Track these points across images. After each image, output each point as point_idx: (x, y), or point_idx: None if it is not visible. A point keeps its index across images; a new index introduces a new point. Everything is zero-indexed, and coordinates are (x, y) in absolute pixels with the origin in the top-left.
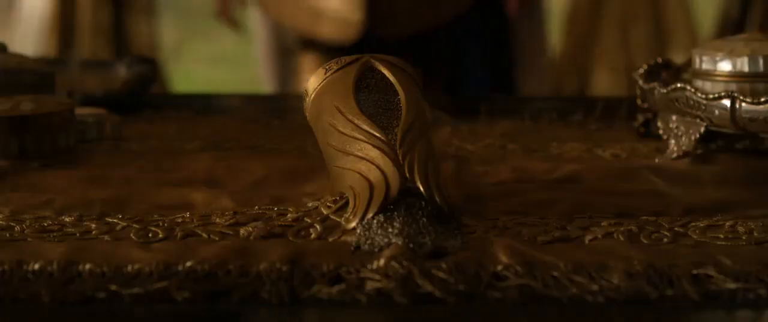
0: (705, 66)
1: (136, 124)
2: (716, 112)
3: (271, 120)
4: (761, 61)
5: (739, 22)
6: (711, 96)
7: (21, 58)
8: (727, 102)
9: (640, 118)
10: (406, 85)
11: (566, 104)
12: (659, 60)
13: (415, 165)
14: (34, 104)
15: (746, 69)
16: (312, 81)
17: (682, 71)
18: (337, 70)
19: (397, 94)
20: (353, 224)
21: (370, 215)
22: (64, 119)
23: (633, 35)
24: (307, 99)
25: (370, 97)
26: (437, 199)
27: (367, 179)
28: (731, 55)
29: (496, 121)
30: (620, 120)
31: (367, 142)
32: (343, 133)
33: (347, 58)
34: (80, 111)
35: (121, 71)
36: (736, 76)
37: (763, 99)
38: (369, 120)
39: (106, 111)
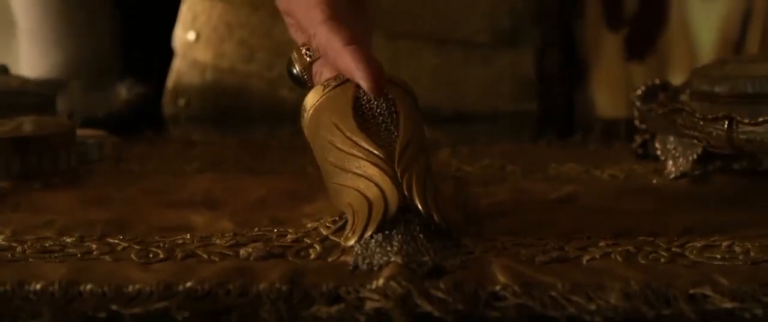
0: (703, 87)
1: (136, 146)
2: (713, 133)
3: (270, 141)
4: (759, 83)
5: (739, 41)
6: (708, 117)
7: (22, 80)
8: (724, 123)
9: (638, 139)
10: (404, 103)
11: (564, 125)
12: (657, 81)
13: (414, 183)
14: (36, 125)
15: (743, 90)
16: (310, 97)
17: (680, 92)
18: (336, 86)
19: (395, 112)
20: (352, 242)
21: (368, 233)
22: (65, 140)
23: None
24: (305, 115)
25: (366, 115)
26: (436, 217)
27: (366, 197)
28: (729, 76)
29: (496, 142)
30: (619, 141)
31: (365, 160)
32: (341, 149)
33: (343, 76)
34: (81, 132)
35: (122, 93)
36: (733, 97)
37: (760, 120)
38: (367, 138)
39: (106, 132)
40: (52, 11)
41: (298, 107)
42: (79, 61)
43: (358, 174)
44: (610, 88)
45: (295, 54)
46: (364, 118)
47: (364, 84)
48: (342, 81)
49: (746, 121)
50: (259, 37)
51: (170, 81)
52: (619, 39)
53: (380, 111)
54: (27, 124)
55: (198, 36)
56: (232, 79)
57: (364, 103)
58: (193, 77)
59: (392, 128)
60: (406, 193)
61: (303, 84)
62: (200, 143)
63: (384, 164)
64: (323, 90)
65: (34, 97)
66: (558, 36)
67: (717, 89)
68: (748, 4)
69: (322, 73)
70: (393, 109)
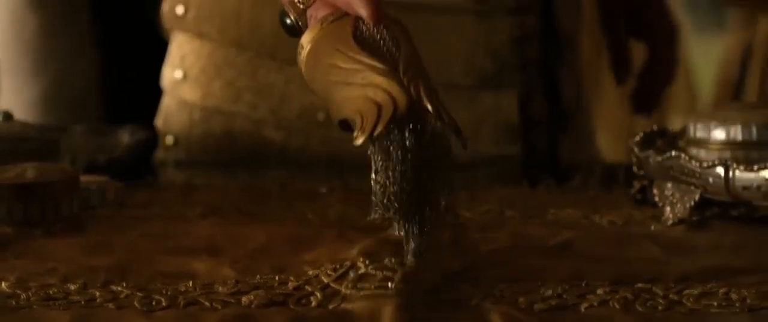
0: (699, 134)
1: (137, 191)
2: (710, 180)
3: (271, 187)
4: (755, 130)
5: (739, 81)
6: (705, 164)
7: (25, 125)
8: (720, 170)
9: (637, 185)
10: (403, 35)
11: (564, 170)
12: (655, 128)
13: (421, 88)
14: (39, 172)
15: (740, 137)
16: (307, 34)
17: (678, 138)
18: (333, 20)
19: (395, 39)
20: (361, 140)
21: (378, 129)
22: (68, 187)
23: None
24: (303, 52)
25: (367, 43)
26: (444, 116)
27: (374, 101)
28: (725, 123)
29: (495, 187)
30: (618, 186)
31: (371, 71)
32: (344, 68)
33: (341, 11)
34: (84, 178)
35: (124, 138)
36: (729, 144)
37: (756, 167)
38: (371, 55)
39: (108, 178)
40: (31, 44)
41: (284, 148)
42: (59, 95)
43: (364, 84)
44: (609, 132)
45: (287, 5)
46: (365, 45)
47: (363, 12)
48: (339, 16)
49: (742, 168)
50: (245, 77)
51: (159, 120)
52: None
53: (381, 39)
54: (30, 171)
55: (185, 75)
56: (219, 120)
57: (364, 32)
58: (181, 116)
59: (394, 51)
60: (414, 96)
61: (297, 33)
62: (201, 188)
63: (390, 73)
64: (321, 25)
65: (36, 142)
66: (542, 83)
67: (713, 136)
68: (748, 42)
69: (317, 16)
70: (393, 36)
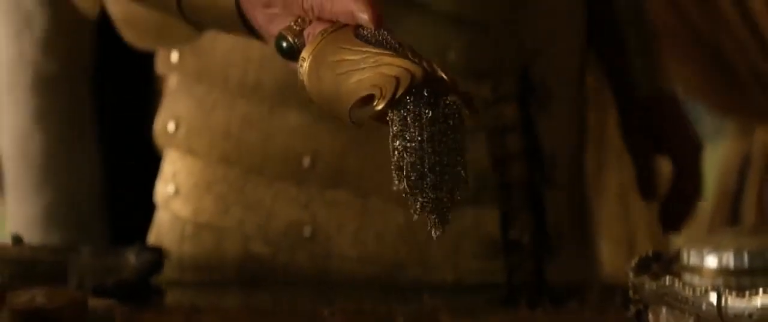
0: (693, 260)
1: (144, 314)
2: (703, 306)
3: (276, 307)
4: (746, 257)
5: (737, 191)
6: (698, 291)
7: (35, 249)
8: (713, 298)
9: (633, 309)
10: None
11: (560, 292)
12: (650, 253)
13: (432, 62)
14: (48, 298)
15: (732, 264)
16: (307, 48)
17: (673, 263)
18: (332, 31)
19: (397, 41)
20: (382, 105)
21: (400, 92)
22: (76, 312)
23: (634, 208)
24: (304, 64)
25: (371, 43)
26: (458, 85)
27: (390, 75)
28: (717, 249)
29: (493, 312)
30: (615, 308)
31: (381, 55)
32: (352, 59)
33: (339, 23)
34: (91, 302)
35: (130, 259)
36: (722, 271)
37: (747, 294)
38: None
39: (115, 301)
40: (36, 160)
41: (272, 264)
42: (62, 211)
43: (377, 65)
44: (613, 243)
45: (283, 31)
46: (369, 44)
47: (364, 15)
48: (338, 27)
49: (735, 295)
50: (234, 193)
51: (152, 235)
52: (619, 185)
53: (383, 39)
54: (40, 297)
55: (177, 191)
56: (209, 235)
57: (367, 35)
58: (173, 232)
59: (398, 46)
60: (427, 68)
61: (295, 54)
62: (206, 311)
63: (401, 52)
64: (322, 36)
65: (46, 265)
66: (527, 204)
67: (706, 263)
68: (746, 152)
69: (315, 33)
70: (394, 38)
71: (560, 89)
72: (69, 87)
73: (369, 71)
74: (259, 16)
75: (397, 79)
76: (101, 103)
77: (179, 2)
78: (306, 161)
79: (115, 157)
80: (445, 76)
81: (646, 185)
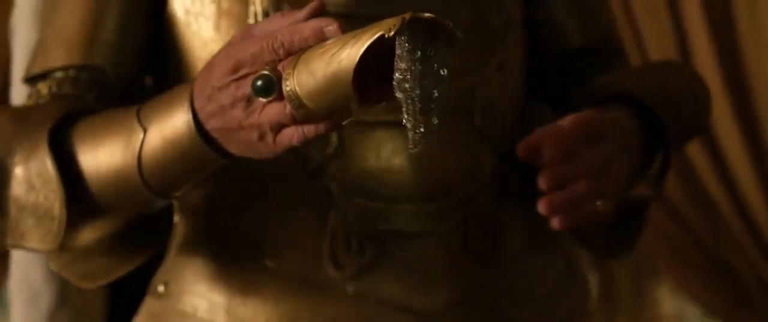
0: None
1: None
2: None
3: None
4: None
5: None
6: None
7: None
8: None
9: None
10: None
11: None
12: None
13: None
14: None
15: None
16: (289, 65)
17: None
18: (303, 51)
19: None
20: (382, 31)
21: (398, 25)
22: None
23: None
24: (291, 77)
25: None
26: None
27: (378, 25)
28: None
29: None
30: None
31: (359, 32)
32: (336, 42)
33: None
34: None
35: None
36: None
37: None
38: None
39: None
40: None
41: None
42: None
43: (360, 33)
44: None
45: (254, 78)
46: None
47: (330, 27)
48: (307, 47)
49: None
50: None
51: None
52: None
53: None
54: None
55: None
56: None
57: None
58: None
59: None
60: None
61: (273, 85)
62: None
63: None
64: (299, 54)
65: None
66: None
67: None
68: None
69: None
70: None
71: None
72: None
73: (355, 41)
74: (214, 120)
75: (388, 24)
76: None
77: (142, 175)
78: None
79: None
80: (428, 15)
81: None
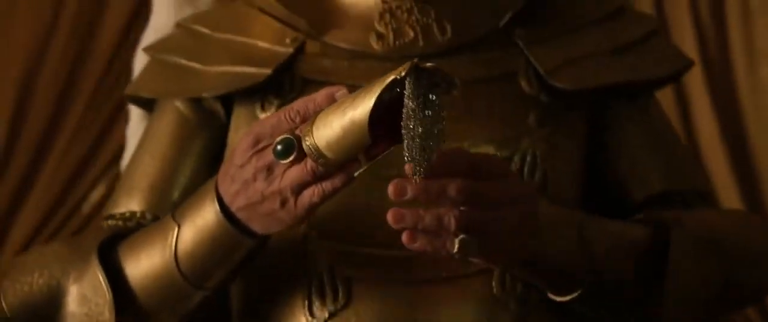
0: None
1: None
2: None
3: None
4: None
5: None
6: None
7: None
8: None
9: None
10: None
11: None
12: None
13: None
14: None
15: None
16: (307, 126)
17: None
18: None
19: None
20: (405, 72)
21: (406, 70)
22: None
23: None
24: (311, 133)
25: None
26: (443, 71)
27: (388, 75)
28: None
29: None
30: None
31: (369, 85)
32: (350, 97)
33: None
34: None
35: None
36: None
37: None
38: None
39: None
40: None
41: None
42: None
43: (370, 86)
44: None
45: (276, 142)
46: None
47: (340, 91)
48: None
49: None
50: None
51: None
52: None
53: None
54: None
55: None
56: None
57: None
58: None
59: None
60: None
61: (293, 145)
62: None
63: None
64: (314, 116)
65: None
66: None
67: None
68: None
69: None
70: None
71: None
72: None
73: (367, 91)
74: (238, 199)
75: (396, 72)
76: None
77: (178, 266)
78: None
79: None
80: (430, 65)
81: None
